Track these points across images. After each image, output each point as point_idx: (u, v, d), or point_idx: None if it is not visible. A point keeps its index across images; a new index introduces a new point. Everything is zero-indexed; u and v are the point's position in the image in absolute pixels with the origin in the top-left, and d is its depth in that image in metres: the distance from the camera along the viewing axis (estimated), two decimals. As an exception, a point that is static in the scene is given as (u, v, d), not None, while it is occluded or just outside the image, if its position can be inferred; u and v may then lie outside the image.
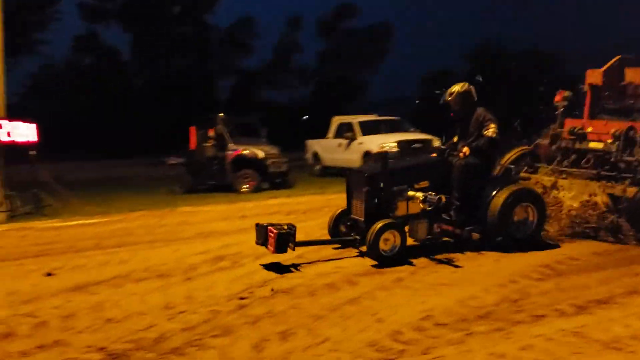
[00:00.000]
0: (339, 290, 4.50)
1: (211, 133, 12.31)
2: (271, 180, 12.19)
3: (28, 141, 9.62)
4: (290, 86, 33.46)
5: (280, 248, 4.97)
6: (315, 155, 15.69)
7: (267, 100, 31.61)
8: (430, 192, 5.26)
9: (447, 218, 5.62)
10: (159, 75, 30.11)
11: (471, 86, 5.94)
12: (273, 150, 12.28)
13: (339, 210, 5.81)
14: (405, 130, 14.50)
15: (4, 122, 9.00)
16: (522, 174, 6.98)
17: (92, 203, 10.08)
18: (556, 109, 7.51)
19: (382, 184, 5.37)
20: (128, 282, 4.87)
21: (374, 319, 3.80)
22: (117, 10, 29.06)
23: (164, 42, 28.93)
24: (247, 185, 11.60)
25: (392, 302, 4.17)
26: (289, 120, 27.60)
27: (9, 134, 9.05)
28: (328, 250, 5.70)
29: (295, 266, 5.21)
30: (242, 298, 4.31)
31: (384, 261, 5.07)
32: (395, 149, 12.30)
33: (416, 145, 11.64)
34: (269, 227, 5.06)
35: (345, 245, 5.68)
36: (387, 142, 12.92)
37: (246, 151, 11.84)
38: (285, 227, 5.09)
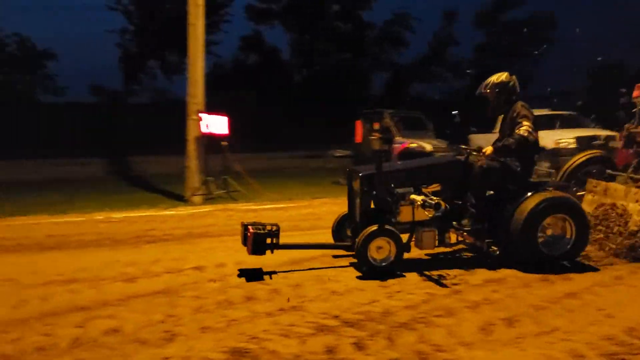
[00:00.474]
0: (554, 283, 4.45)
1: (377, 126, 12.63)
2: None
3: (221, 133, 10.75)
4: (444, 80, 32.97)
5: (256, 250, 4.68)
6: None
7: (420, 95, 31.47)
8: (431, 196, 4.76)
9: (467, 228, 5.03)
10: (316, 71, 31.55)
11: (512, 77, 5.26)
12: (441, 144, 12.24)
13: (344, 213, 5.37)
14: (584, 126, 13.51)
15: (205, 115, 10.16)
16: (591, 183, 6.10)
17: (272, 190, 10.93)
18: (634, 106, 6.52)
19: (377, 186, 4.83)
20: (336, 260, 5.27)
21: (602, 314, 3.73)
22: (280, 10, 30.97)
23: (322, 40, 30.28)
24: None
25: (617, 299, 4.02)
26: (443, 114, 27.20)
27: (207, 126, 10.20)
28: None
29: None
30: (455, 284, 4.47)
31: (374, 272, 4.60)
32: (574, 145, 11.53)
33: (596, 142, 10.80)
34: (249, 227, 4.75)
35: (340, 250, 5.22)
36: (564, 137, 12.15)
37: (413, 144, 11.96)
38: (270, 227, 4.77)
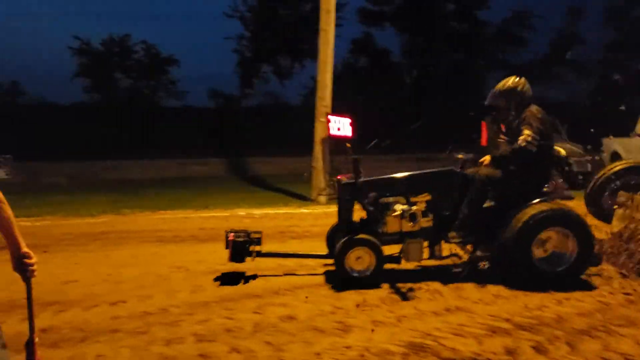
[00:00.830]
0: None
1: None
2: (574, 180, 11.55)
3: (346, 135, 10.98)
4: (567, 80, 31.06)
5: (235, 257, 4.69)
6: (615, 155, 14.26)
7: (539, 96, 29.89)
8: (412, 206, 4.55)
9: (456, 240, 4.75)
10: (429, 72, 31.16)
11: (520, 80, 4.86)
12: (576, 148, 11.62)
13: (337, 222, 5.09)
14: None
15: (333, 117, 10.45)
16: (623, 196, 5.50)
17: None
18: None
19: (355, 194, 4.73)
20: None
21: None
22: (392, 12, 30.95)
23: (435, 40, 29.82)
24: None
25: None
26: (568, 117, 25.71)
27: (336, 129, 10.47)
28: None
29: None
30: (627, 294, 4.27)
31: (352, 283, 4.46)
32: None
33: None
34: (229, 234, 4.75)
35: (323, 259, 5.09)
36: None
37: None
38: (253, 234, 4.80)
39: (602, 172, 6.49)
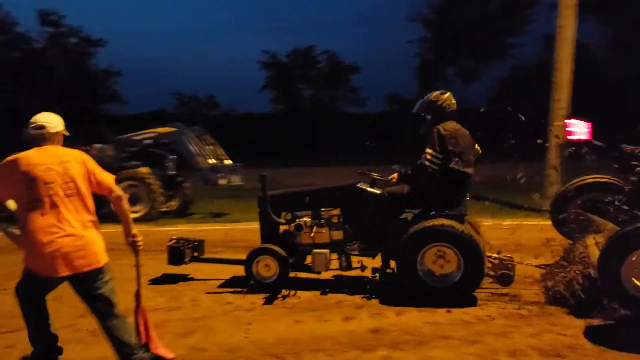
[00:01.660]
0: None
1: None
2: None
3: (582, 138, 10.20)
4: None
5: (172, 260, 5.27)
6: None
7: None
8: (304, 219, 4.96)
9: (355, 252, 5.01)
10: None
11: (443, 95, 4.80)
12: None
13: None
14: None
15: (572, 121, 9.78)
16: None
17: None
18: None
19: (265, 207, 5.07)
20: None
21: None
22: (595, 4, 28.43)
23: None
24: None
25: None
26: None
27: (574, 132, 9.78)
28: None
29: None
30: None
31: (263, 287, 4.88)
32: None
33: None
34: (171, 240, 5.38)
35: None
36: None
37: None
38: (194, 241, 5.48)
39: (564, 187, 6.06)
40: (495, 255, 4.79)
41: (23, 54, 34.10)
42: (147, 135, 10.64)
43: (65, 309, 3.99)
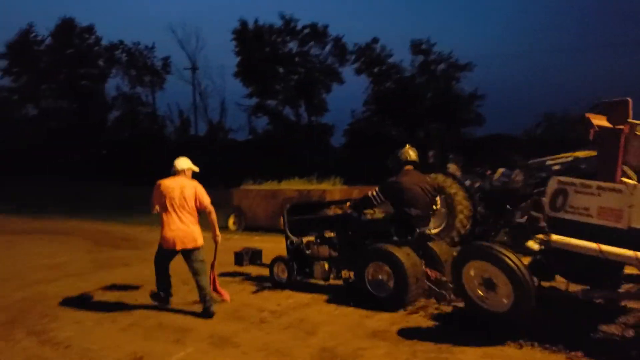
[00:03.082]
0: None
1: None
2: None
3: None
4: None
5: (235, 262, 8.58)
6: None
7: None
8: (318, 239, 6.73)
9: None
10: None
11: (403, 149, 6.28)
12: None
13: None
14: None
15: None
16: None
17: None
18: None
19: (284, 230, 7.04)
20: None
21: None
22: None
23: None
24: None
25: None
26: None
27: None
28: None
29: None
30: None
31: (278, 285, 6.88)
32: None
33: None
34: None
35: None
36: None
37: None
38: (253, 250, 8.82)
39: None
40: (445, 278, 5.72)
41: (394, 83, 39.00)
42: (561, 160, 9.15)
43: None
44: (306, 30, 40.51)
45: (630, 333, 4.31)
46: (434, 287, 5.70)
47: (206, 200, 5.78)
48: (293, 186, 14.09)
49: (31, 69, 46.10)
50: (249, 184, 15.04)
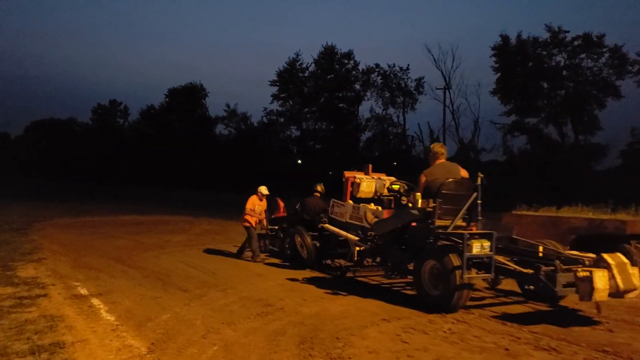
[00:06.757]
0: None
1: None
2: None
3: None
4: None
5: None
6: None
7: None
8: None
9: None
10: None
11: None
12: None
13: None
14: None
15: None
16: None
17: None
18: None
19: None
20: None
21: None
22: None
23: None
24: None
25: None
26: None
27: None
28: None
29: None
30: None
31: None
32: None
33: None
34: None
35: None
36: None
37: None
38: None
39: None
40: None
41: None
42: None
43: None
44: (577, 42, 37.07)
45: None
46: None
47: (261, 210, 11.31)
48: (580, 214, 12.52)
49: (296, 94, 51.69)
50: (523, 209, 13.89)
